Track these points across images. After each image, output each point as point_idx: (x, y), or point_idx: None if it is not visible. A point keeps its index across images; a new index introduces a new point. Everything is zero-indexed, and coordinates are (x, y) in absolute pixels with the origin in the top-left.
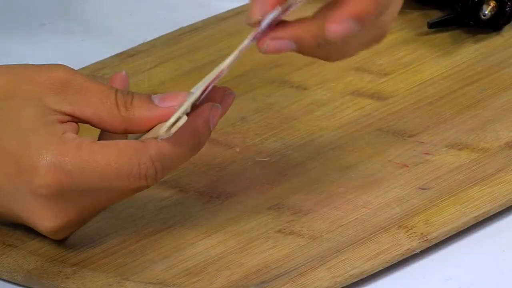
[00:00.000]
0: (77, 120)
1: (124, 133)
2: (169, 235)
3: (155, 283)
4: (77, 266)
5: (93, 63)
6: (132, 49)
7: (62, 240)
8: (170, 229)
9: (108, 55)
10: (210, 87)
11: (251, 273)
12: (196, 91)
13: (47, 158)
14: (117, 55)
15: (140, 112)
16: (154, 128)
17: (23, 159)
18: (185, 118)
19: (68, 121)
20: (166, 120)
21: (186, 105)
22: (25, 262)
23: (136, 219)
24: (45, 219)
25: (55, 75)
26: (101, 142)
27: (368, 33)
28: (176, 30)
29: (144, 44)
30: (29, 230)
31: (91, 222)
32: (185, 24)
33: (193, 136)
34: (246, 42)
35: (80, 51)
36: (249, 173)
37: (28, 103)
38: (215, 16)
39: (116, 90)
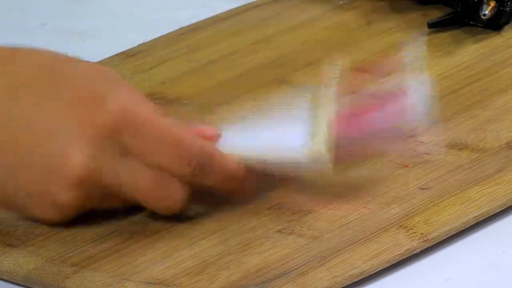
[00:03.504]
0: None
1: None
2: (169, 235)
3: (155, 283)
4: (77, 266)
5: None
6: (132, 49)
7: (62, 239)
8: (170, 229)
9: (108, 55)
10: None
11: (251, 273)
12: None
13: (121, 94)
14: (117, 55)
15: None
16: None
17: (93, 90)
18: None
19: None
20: None
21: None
22: (25, 262)
23: (136, 219)
24: (81, 155)
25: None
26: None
27: None
28: (176, 30)
29: (144, 44)
30: (29, 230)
31: (91, 221)
32: (185, 24)
33: (236, 171)
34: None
35: (80, 51)
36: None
37: None
38: (215, 16)
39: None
